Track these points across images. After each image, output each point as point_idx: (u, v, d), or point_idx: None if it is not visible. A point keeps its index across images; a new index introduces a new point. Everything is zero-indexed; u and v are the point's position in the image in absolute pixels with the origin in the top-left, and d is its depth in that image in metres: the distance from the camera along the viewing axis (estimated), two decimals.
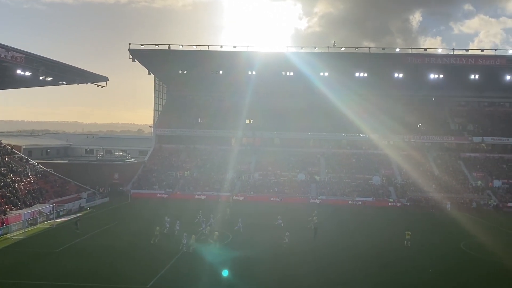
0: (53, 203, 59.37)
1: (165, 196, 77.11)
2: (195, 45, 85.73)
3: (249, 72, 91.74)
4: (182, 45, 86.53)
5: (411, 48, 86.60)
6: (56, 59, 62.74)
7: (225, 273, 34.04)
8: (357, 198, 76.66)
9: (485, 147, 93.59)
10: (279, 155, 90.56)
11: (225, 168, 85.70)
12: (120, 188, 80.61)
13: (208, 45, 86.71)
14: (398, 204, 75.11)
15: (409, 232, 45.97)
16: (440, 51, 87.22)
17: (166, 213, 55.05)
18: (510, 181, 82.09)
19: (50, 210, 56.18)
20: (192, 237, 42.04)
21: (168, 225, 48.10)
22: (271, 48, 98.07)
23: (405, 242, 44.91)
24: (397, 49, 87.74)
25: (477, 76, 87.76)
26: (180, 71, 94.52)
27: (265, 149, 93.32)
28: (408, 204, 75.34)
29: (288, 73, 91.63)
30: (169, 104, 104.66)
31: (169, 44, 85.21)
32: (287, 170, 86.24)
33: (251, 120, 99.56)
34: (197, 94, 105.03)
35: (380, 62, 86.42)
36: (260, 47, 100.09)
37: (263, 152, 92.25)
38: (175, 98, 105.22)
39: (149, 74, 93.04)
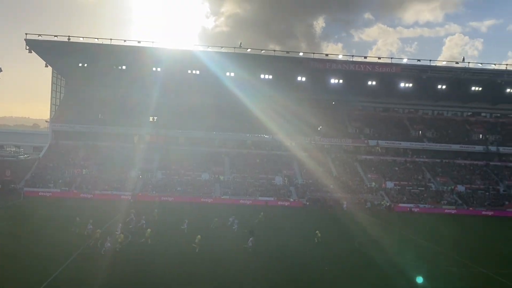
0: None
1: (62, 195, 73.30)
2: (97, 38, 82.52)
3: (154, 69, 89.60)
4: (83, 37, 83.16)
5: (313, 53, 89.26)
6: None
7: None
8: (260, 198, 77.64)
9: (380, 150, 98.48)
10: (183, 154, 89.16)
11: (127, 167, 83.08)
12: (12, 185, 75.37)
13: (111, 39, 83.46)
14: (298, 204, 77.08)
15: (318, 232, 47.61)
16: (340, 57, 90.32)
17: (77, 214, 51.79)
18: (401, 182, 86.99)
19: None
20: (121, 236, 40.99)
21: (91, 226, 45.23)
22: (178, 45, 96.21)
23: (316, 239, 46.57)
24: (301, 53, 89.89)
25: (374, 83, 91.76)
26: (80, 65, 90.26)
27: (170, 148, 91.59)
28: (307, 203, 77.41)
29: (194, 72, 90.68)
30: (67, 98, 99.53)
31: (68, 36, 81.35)
32: (191, 170, 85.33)
33: (156, 118, 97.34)
34: (99, 89, 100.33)
35: (284, 65, 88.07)
36: (166, 43, 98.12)
37: (167, 151, 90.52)
38: (75, 93, 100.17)
39: (46, 66, 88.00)
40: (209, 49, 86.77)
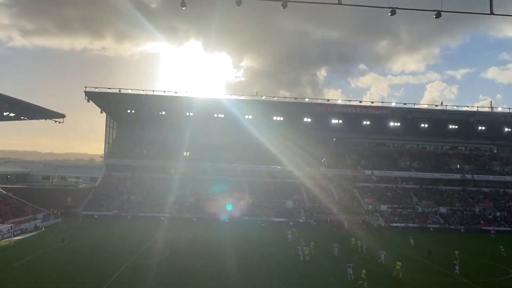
0: (11, 223, 57.01)
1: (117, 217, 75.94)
2: (143, 90, 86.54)
3: (187, 113, 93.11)
4: (131, 89, 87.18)
5: (317, 98, 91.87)
6: (20, 98, 61.40)
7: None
8: (274, 219, 79.03)
9: (375, 178, 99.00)
10: (211, 182, 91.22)
11: (165, 193, 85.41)
12: (73, 209, 78.41)
13: (153, 90, 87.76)
14: (307, 224, 78.31)
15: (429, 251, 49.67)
16: (339, 101, 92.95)
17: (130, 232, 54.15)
18: (393, 205, 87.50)
19: (8, 229, 53.93)
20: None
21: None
22: (206, 94, 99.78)
23: (455, 265, 43.16)
24: (306, 99, 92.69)
25: (368, 122, 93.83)
26: (128, 111, 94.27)
27: (200, 177, 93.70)
28: (314, 223, 78.54)
29: (219, 115, 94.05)
30: (118, 138, 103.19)
31: (120, 88, 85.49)
32: (217, 196, 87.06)
33: (188, 153, 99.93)
34: (143, 130, 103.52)
35: (293, 108, 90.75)
36: (197, 92, 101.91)
37: (197, 180, 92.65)
38: (124, 133, 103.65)
39: (101, 112, 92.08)
40: (231, 97, 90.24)
